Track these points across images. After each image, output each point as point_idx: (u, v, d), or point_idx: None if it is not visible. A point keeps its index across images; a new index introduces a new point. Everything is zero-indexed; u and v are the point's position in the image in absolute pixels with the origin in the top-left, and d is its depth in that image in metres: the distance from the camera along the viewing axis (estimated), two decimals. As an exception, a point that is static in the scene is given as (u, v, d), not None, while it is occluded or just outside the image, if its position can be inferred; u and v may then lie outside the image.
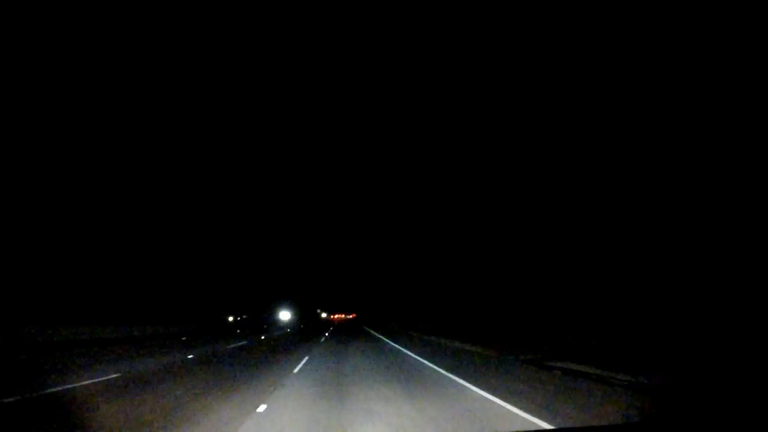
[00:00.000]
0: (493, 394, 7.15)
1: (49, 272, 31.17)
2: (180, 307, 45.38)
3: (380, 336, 27.01)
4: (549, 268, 20.35)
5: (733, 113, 12.57)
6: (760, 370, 7.69)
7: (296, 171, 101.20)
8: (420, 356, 13.76)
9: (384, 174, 72.45)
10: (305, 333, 33.55)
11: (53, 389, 7.47)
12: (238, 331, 36.56)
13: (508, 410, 6.02)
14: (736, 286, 11.04)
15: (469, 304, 29.95)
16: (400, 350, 16.49)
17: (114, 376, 9.17)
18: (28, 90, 30.94)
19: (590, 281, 16.78)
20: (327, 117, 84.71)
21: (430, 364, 11.53)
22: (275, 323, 62.61)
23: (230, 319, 57.43)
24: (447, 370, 10.20)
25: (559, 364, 10.52)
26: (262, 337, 26.27)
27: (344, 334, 31.21)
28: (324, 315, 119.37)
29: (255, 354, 15.30)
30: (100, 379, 8.72)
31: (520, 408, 6.05)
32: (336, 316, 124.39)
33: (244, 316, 63.96)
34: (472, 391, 7.59)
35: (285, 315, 73.32)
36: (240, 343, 20.22)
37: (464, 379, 8.86)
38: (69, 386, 7.79)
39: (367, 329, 40.70)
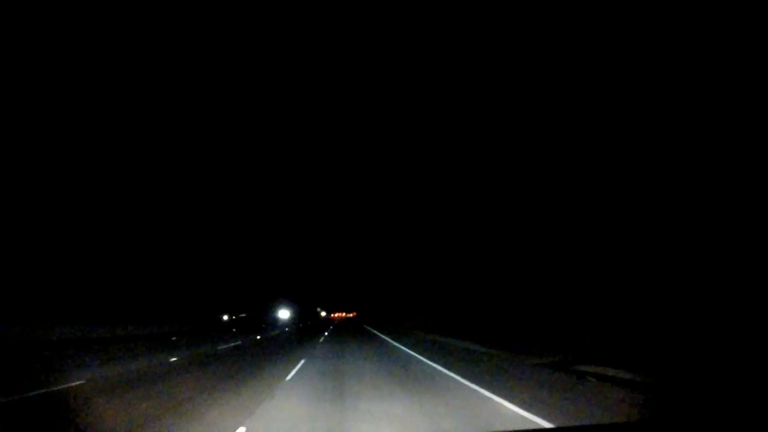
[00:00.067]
0: (527, 410, 5.80)
1: (37, 271, 30.09)
2: (176, 306, 44.36)
3: (384, 336, 25.60)
4: (559, 263, 19.09)
5: (733, 113, 12.22)
6: None
7: (296, 169, 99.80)
8: (432, 360, 12.35)
9: (384, 170, 70.98)
10: (304, 332, 32.31)
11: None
12: (234, 330, 35.29)
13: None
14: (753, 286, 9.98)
15: (475, 302, 28.58)
16: (408, 353, 15.07)
17: (75, 384, 7.84)
18: (28, 90, 30.29)
19: (606, 279, 15.55)
20: (327, 117, 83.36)
21: (445, 370, 10.16)
22: (274, 322, 61.44)
23: (225, 318, 56.05)
24: (468, 380, 8.84)
25: (590, 369, 9.19)
26: (258, 337, 25.09)
27: (345, 333, 29.84)
28: (324, 314, 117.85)
29: (246, 356, 13.96)
30: (57, 388, 7.40)
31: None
32: (336, 314, 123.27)
33: (242, 315, 62.66)
34: (507, 408, 6.23)
35: (284, 314, 72.21)
36: (233, 344, 18.93)
37: (489, 390, 7.50)
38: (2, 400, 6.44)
39: (369, 328, 39.26)
